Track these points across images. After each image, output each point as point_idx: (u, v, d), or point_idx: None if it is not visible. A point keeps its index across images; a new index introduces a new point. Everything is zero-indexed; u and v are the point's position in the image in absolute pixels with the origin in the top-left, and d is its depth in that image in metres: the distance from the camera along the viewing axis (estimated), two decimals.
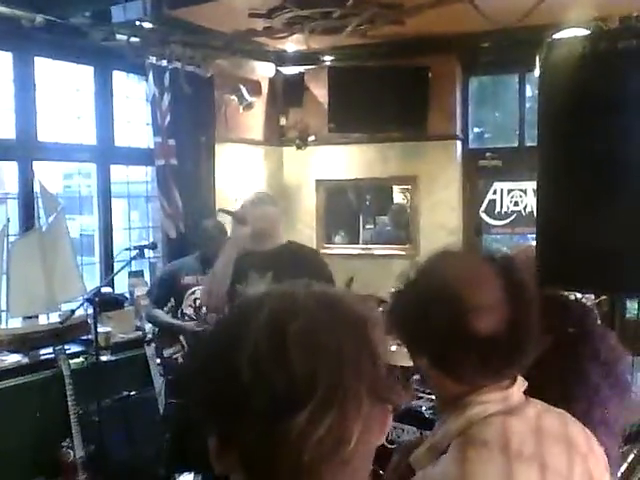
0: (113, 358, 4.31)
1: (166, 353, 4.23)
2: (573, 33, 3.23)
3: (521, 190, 5.71)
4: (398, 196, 6.56)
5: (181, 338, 4.20)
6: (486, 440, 1.07)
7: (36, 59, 4.36)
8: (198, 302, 4.17)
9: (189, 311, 4.23)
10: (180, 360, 4.19)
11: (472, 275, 1.14)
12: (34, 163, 4.36)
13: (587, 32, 2.75)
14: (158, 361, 4.43)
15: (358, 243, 6.45)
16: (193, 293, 4.22)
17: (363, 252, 6.18)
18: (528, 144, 5.63)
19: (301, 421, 0.66)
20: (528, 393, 1.17)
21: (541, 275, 2.14)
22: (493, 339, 1.08)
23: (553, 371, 1.26)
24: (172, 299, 4.31)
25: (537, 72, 3.95)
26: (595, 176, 2.22)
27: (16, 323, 4.23)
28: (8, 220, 4.17)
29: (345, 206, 6.65)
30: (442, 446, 1.11)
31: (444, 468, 1.06)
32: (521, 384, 1.15)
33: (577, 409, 1.22)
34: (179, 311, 4.25)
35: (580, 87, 2.33)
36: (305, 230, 6.15)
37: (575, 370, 1.30)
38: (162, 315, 4.29)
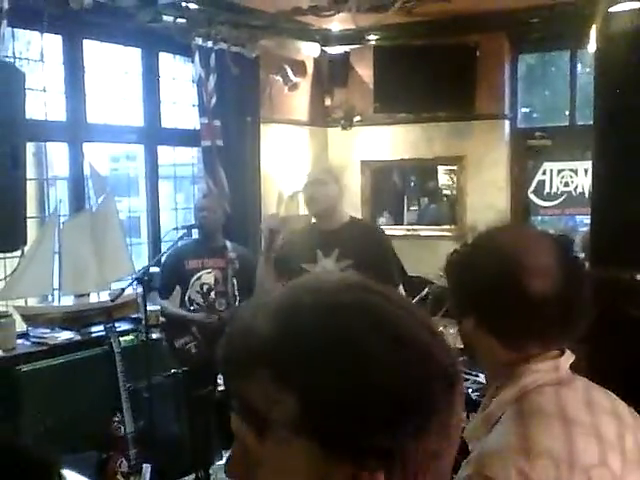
0: (162, 336, 4.37)
1: (177, 344, 4.11)
2: (629, 6, 3.12)
3: (572, 170, 5.57)
4: (443, 177, 6.47)
5: (193, 329, 4.07)
6: (542, 408, 1.06)
7: (85, 42, 4.41)
8: (205, 287, 4.12)
9: (196, 297, 4.13)
10: (193, 350, 4.07)
11: (530, 241, 1.16)
12: (83, 145, 4.43)
13: None
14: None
15: (403, 224, 6.40)
16: (199, 278, 4.13)
17: (408, 233, 6.14)
18: (579, 123, 5.49)
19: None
20: (591, 376, 1.15)
21: (595, 255, 2.09)
22: (543, 302, 1.08)
23: (618, 353, 1.24)
24: (177, 286, 4.22)
25: (591, 47, 3.85)
26: None
27: (68, 301, 4.33)
28: (60, 201, 4.26)
29: (390, 187, 6.59)
30: (495, 416, 1.09)
31: (503, 437, 1.04)
32: (569, 357, 1.14)
33: None
34: (186, 298, 4.14)
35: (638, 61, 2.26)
36: (350, 211, 6.11)
37: None
38: (169, 307, 4.21)
